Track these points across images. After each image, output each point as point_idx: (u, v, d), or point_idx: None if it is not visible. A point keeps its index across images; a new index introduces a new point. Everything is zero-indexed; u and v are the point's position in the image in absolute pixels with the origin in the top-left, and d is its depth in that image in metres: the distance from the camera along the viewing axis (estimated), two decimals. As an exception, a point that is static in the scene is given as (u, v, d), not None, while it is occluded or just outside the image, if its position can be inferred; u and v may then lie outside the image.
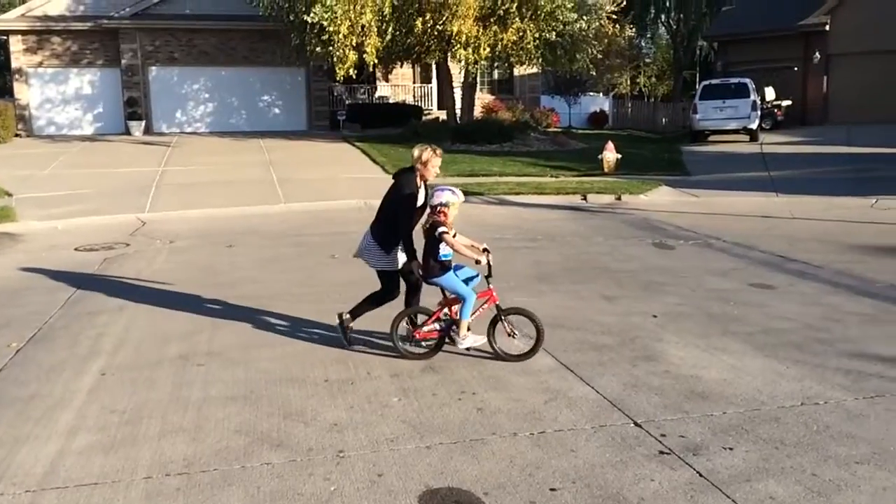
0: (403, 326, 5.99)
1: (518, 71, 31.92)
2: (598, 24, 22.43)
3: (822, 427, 4.57)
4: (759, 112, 23.15)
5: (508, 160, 21.00)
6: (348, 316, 6.15)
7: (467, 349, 5.87)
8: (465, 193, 16.39)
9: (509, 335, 5.85)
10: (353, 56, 19.98)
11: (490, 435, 4.55)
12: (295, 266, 9.49)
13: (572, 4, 21.13)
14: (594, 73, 27.68)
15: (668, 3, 44.19)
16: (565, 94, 35.96)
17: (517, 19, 20.74)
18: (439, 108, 30.18)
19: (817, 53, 26.25)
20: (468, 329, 5.80)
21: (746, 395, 5.09)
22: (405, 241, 5.89)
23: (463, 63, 22.03)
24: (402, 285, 6.15)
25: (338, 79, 21.06)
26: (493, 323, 5.88)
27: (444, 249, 5.71)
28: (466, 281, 5.82)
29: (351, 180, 17.80)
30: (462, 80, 24.44)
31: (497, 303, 5.82)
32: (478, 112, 29.51)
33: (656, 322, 6.86)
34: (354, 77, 22.82)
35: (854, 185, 15.57)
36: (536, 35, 21.12)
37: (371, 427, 4.68)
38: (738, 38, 28.26)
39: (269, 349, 6.21)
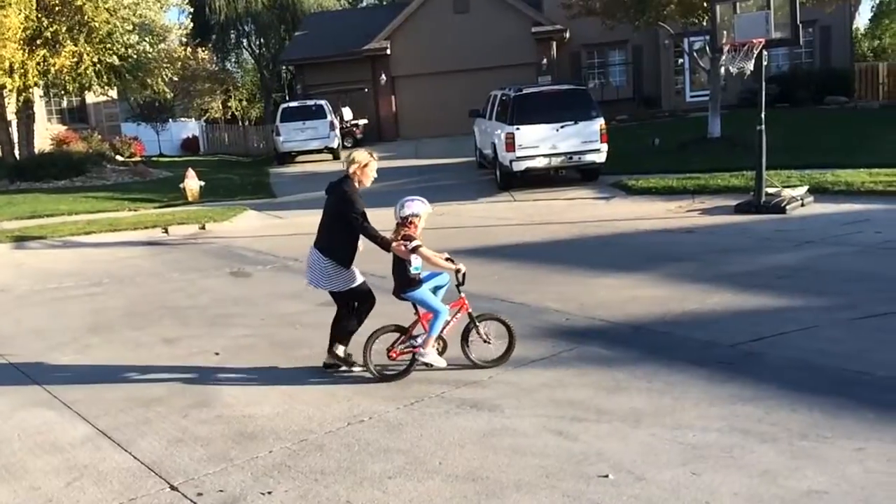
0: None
1: (91, 98, 29.24)
2: (163, 46, 21.43)
3: (363, 446, 4.59)
4: (337, 131, 24.28)
5: (80, 196, 19.03)
6: (342, 348, 5.86)
7: (427, 364, 5.67)
8: (23, 239, 14.46)
9: (485, 342, 5.75)
10: None
11: (-17, 547, 3.71)
12: None
13: (132, 27, 19.85)
14: (170, 98, 26.40)
15: (247, 28, 44.56)
16: (152, 121, 34.04)
17: (70, 42, 18.81)
18: (-6, 143, 26.22)
19: (383, 75, 28.44)
20: (434, 346, 5.68)
21: (296, 427, 4.94)
22: (375, 237, 5.56)
23: (10, 91, 19.33)
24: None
25: None
26: (467, 332, 5.78)
27: (414, 262, 5.48)
28: (435, 290, 5.72)
29: None
30: (16, 110, 21.48)
31: (469, 311, 5.72)
32: (47, 145, 26.34)
33: (218, 360, 6.47)
34: None
35: (420, 193, 16.85)
36: (95, 59, 19.40)
37: None
38: (314, 61, 29.36)
39: None
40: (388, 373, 5.71)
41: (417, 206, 5.60)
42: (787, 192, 11.94)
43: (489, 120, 17.20)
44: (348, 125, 27.39)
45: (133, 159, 27.43)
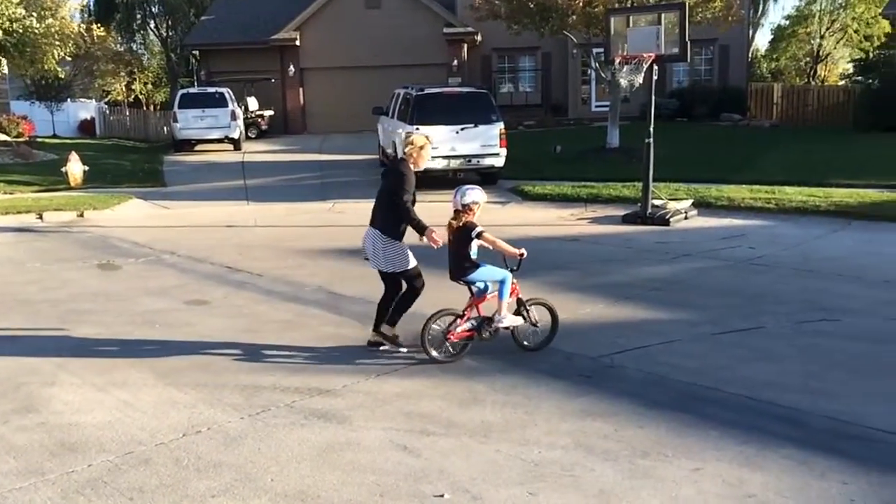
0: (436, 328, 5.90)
1: (-23, 72, 27.43)
2: (53, 21, 20.21)
3: (193, 460, 4.29)
4: (239, 121, 23.49)
5: (-49, 176, 17.76)
6: (388, 327, 6.07)
7: (506, 328, 5.94)
8: None
9: (533, 325, 6.02)
10: None
11: None
12: None
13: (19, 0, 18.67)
14: (64, 77, 25.02)
15: (154, 9, 42.84)
16: (47, 100, 32.17)
17: (-54, 12, 17.53)
18: None
19: (291, 67, 27.78)
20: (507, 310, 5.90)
21: (126, 437, 4.59)
22: (412, 220, 5.81)
23: None
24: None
25: None
26: (516, 315, 5.98)
27: (473, 248, 5.77)
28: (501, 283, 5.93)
29: None
30: None
31: (519, 296, 6.00)
32: (-77, 119, 24.54)
33: (56, 361, 6.00)
34: None
35: (319, 190, 16.64)
36: (-24, 32, 18.16)
37: None
38: (220, 48, 28.40)
39: None
40: (444, 355, 5.85)
41: (477, 194, 5.89)
42: (672, 205, 12.20)
43: (392, 118, 16.97)
44: (253, 115, 26.61)
45: (19, 139, 25.83)
